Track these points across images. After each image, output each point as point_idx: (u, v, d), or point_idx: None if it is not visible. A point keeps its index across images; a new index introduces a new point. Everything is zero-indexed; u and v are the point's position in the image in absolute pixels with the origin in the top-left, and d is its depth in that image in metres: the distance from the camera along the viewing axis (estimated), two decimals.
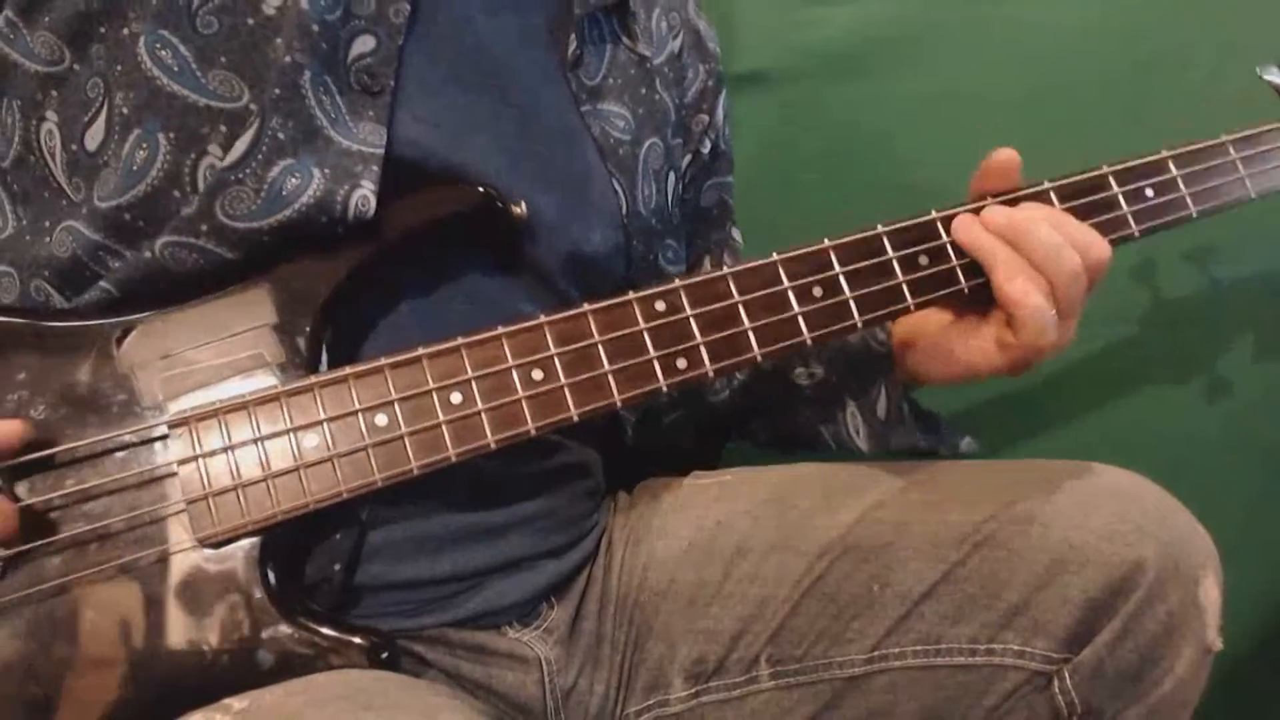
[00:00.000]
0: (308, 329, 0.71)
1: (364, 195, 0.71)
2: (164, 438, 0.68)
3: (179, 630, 0.67)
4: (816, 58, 1.17)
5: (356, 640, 0.69)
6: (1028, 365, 0.77)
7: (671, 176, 0.92)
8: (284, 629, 0.68)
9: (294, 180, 0.71)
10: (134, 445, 0.68)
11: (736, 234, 1.02)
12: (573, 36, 0.84)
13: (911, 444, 0.89)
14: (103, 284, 0.72)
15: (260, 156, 0.70)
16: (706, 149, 0.97)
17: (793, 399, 0.94)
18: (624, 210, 0.86)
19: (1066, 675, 0.73)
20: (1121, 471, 0.80)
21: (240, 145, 0.70)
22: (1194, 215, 0.84)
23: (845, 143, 1.17)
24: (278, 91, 0.70)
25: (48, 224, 0.73)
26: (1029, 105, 1.13)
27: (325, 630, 0.68)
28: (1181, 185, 0.84)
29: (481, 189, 0.76)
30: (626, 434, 0.93)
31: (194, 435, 0.68)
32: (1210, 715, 0.79)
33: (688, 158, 0.96)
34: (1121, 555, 0.72)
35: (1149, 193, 0.83)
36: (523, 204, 0.76)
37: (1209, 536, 0.76)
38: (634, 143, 0.87)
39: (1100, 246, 0.77)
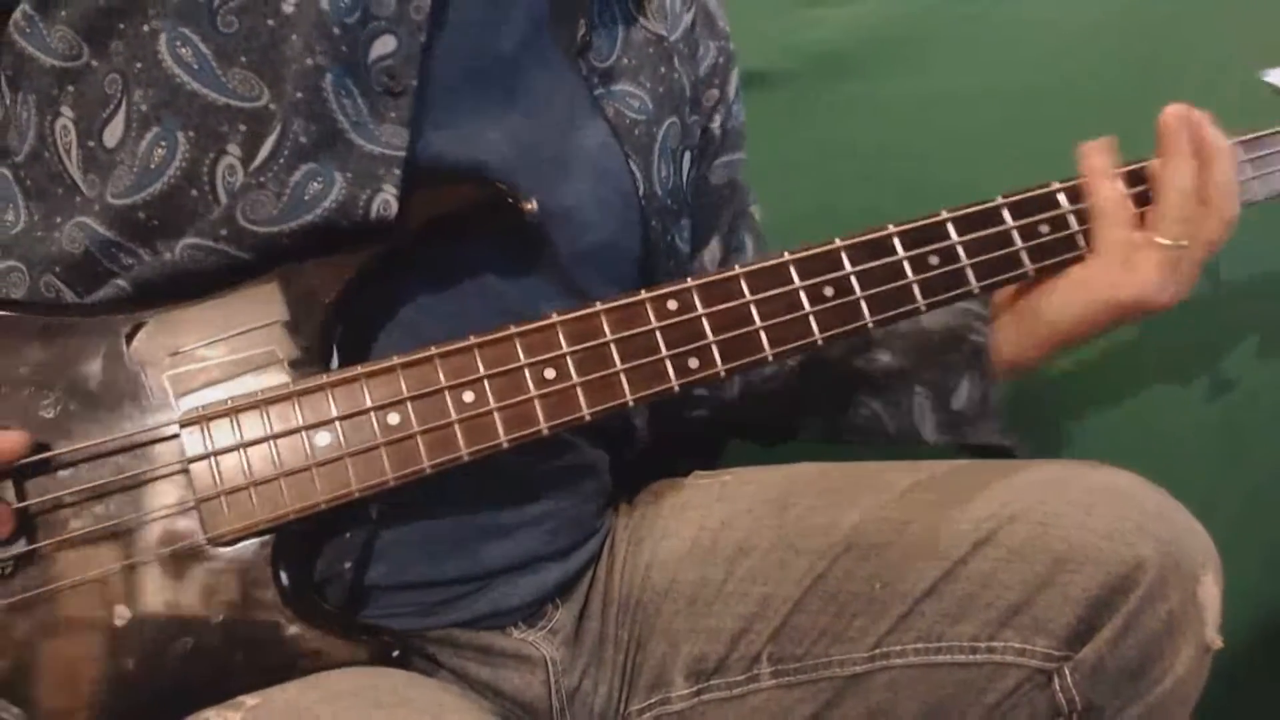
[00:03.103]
0: (319, 327, 0.71)
1: (385, 200, 0.71)
2: (175, 436, 0.68)
3: (190, 628, 0.67)
4: (815, 59, 1.17)
5: (367, 638, 0.69)
6: (1182, 274, 0.81)
7: (687, 156, 0.91)
8: (296, 627, 0.68)
9: (316, 185, 0.70)
10: (145, 443, 0.68)
11: (756, 211, 1.01)
12: (581, 20, 0.84)
13: (991, 439, 0.88)
14: (118, 281, 0.71)
15: (282, 160, 0.70)
16: (716, 124, 0.96)
17: (854, 387, 0.93)
18: (640, 192, 0.85)
19: (1067, 673, 0.74)
20: (1121, 471, 0.80)
21: (264, 150, 0.69)
22: None
23: (845, 143, 1.17)
24: (299, 95, 0.70)
25: (59, 220, 0.73)
26: (1028, 105, 1.13)
27: (337, 628, 0.69)
28: None
29: (491, 186, 0.75)
30: (638, 434, 0.93)
31: (205, 433, 0.68)
32: (1209, 714, 0.80)
33: (700, 134, 0.95)
34: (1122, 554, 0.73)
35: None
36: (533, 200, 0.76)
37: (1208, 535, 0.76)
38: (651, 122, 0.87)
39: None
